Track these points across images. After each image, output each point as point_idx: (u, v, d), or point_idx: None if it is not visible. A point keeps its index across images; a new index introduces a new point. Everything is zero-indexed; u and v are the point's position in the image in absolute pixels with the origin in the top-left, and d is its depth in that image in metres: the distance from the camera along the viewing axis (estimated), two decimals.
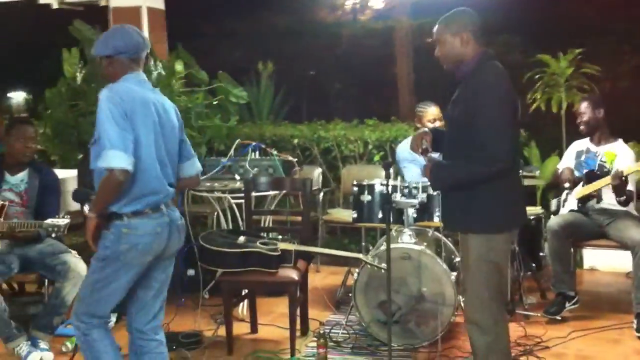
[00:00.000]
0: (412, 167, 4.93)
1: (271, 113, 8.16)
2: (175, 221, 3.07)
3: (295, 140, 6.61)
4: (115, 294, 3.01)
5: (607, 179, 4.44)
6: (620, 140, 4.75)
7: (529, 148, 6.40)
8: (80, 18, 5.02)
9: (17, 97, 19.07)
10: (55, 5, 5.52)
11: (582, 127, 4.78)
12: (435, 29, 3.14)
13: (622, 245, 4.53)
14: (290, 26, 13.03)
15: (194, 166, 3.23)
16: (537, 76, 6.49)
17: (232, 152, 5.02)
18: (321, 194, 6.04)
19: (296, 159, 5.44)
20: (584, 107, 4.78)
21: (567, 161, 4.91)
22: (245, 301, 4.63)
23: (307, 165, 6.45)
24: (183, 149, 3.16)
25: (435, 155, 3.24)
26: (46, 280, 4.27)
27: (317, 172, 6.23)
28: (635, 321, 4.35)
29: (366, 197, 4.40)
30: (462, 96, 3.07)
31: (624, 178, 4.36)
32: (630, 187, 4.54)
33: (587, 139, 4.83)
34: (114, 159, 2.77)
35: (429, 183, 3.44)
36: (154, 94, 3.04)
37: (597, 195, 4.63)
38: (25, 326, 4.03)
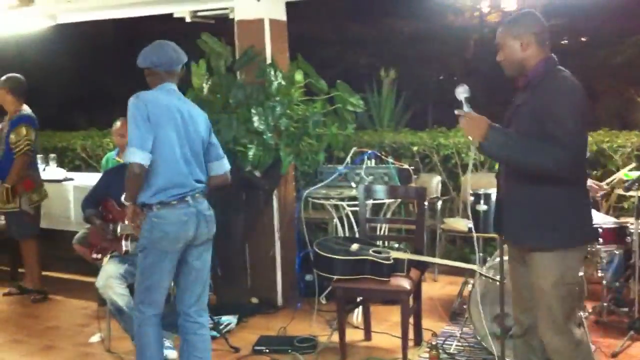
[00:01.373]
0: None
1: (392, 120, 8.14)
2: (203, 212, 3.44)
3: (415, 148, 6.56)
4: (161, 280, 3.42)
5: None
6: None
7: None
8: (209, 31, 5.26)
9: None
10: (188, 19, 5.81)
11: None
12: (497, 32, 2.98)
13: None
14: (416, 31, 12.97)
15: (221, 166, 3.63)
16: None
17: (348, 159, 5.08)
18: (439, 202, 5.96)
19: (413, 167, 5.42)
20: None
21: None
22: (360, 308, 4.67)
23: (426, 173, 6.38)
24: (212, 151, 3.58)
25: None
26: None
27: (435, 180, 6.16)
28: None
29: (482, 207, 4.29)
30: (529, 105, 2.88)
31: None
32: None
33: None
34: (132, 155, 3.24)
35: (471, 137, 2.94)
36: (180, 102, 3.46)
37: None
38: None
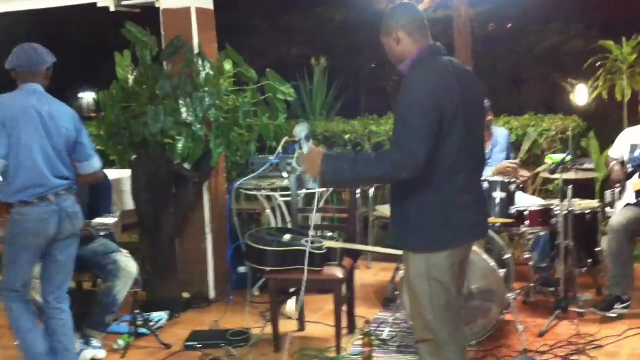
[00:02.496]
0: None
1: (325, 108, 8.14)
2: (66, 209, 3.57)
3: (347, 136, 6.58)
4: (22, 269, 3.61)
5: None
6: None
7: (587, 139, 6.19)
8: (136, 20, 5.12)
9: (87, 97, 19.72)
10: (112, 8, 5.63)
11: None
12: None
13: None
14: (347, 20, 12.98)
15: (90, 166, 3.75)
16: (598, 63, 6.27)
17: (279, 150, 5.04)
18: (372, 190, 5.99)
19: None
20: None
21: (619, 151, 4.72)
22: (294, 299, 4.65)
23: None
24: (80, 151, 3.69)
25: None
26: (99, 279, 4.40)
27: None
28: None
29: None
30: (400, 92, 2.76)
31: None
32: None
33: None
34: None
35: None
36: (40, 102, 3.55)
37: None
38: (79, 324, 4.16)
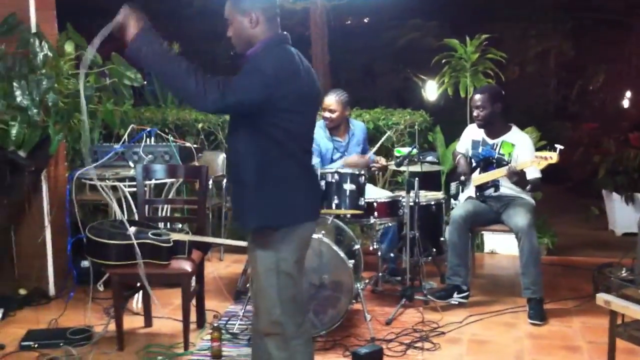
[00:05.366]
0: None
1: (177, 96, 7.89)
2: None
3: (200, 125, 6.42)
4: None
5: (503, 171, 4.49)
6: (514, 128, 4.76)
7: (434, 133, 6.43)
8: None
9: None
10: None
11: (479, 121, 4.71)
12: (226, 5, 2.77)
13: (511, 231, 4.59)
14: (204, 5, 12.67)
15: None
16: (443, 60, 6.50)
17: (125, 138, 4.81)
18: (225, 180, 5.88)
19: (197, 145, 5.28)
20: (482, 100, 4.65)
21: (463, 146, 4.92)
22: (140, 293, 4.47)
23: (211, 151, 6.27)
24: None
25: None
26: None
27: (221, 158, 6.07)
28: (527, 306, 4.44)
29: None
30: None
31: (520, 171, 4.41)
32: (536, 174, 4.56)
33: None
34: None
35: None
36: None
37: (494, 185, 4.68)
38: None
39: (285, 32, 2.80)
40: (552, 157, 4.25)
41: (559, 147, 4.25)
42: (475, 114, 4.73)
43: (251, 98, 2.56)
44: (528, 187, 4.58)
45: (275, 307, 2.78)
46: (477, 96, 4.71)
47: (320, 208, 3.04)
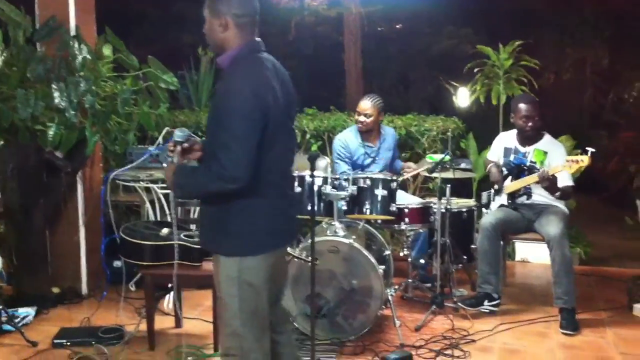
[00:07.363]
0: (342, 164, 4.92)
1: (210, 100, 7.97)
2: None
3: None
4: None
5: (534, 177, 4.44)
6: (547, 135, 4.72)
7: (466, 140, 6.39)
8: None
9: None
10: None
11: (532, 131, 4.62)
12: (204, 4, 2.72)
13: (543, 239, 4.53)
14: None
15: None
16: (476, 69, 6.47)
17: (160, 140, 4.87)
18: None
19: None
20: (532, 109, 4.58)
21: (495, 154, 4.89)
22: (172, 294, 4.51)
23: None
24: None
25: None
26: None
27: None
28: (559, 316, 4.38)
29: (296, 189, 4.32)
30: (218, 90, 2.70)
31: (551, 177, 4.36)
32: (568, 182, 4.52)
33: (515, 134, 4.77)
34: None
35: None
36: None
37: (527, 193, 4.63)
38: None
39: (258, 39, 2.71)
40: (584, 159, 4.17)
41: (590, 149, 4.18)
42: (527, 124, 4.61)
43: (254, 141, 2.51)
44: (557, 194, 4.52)
45: (234, 319, 2.70)
46: (526, 106, 4.62)
47: (294, 233, 3.02)
